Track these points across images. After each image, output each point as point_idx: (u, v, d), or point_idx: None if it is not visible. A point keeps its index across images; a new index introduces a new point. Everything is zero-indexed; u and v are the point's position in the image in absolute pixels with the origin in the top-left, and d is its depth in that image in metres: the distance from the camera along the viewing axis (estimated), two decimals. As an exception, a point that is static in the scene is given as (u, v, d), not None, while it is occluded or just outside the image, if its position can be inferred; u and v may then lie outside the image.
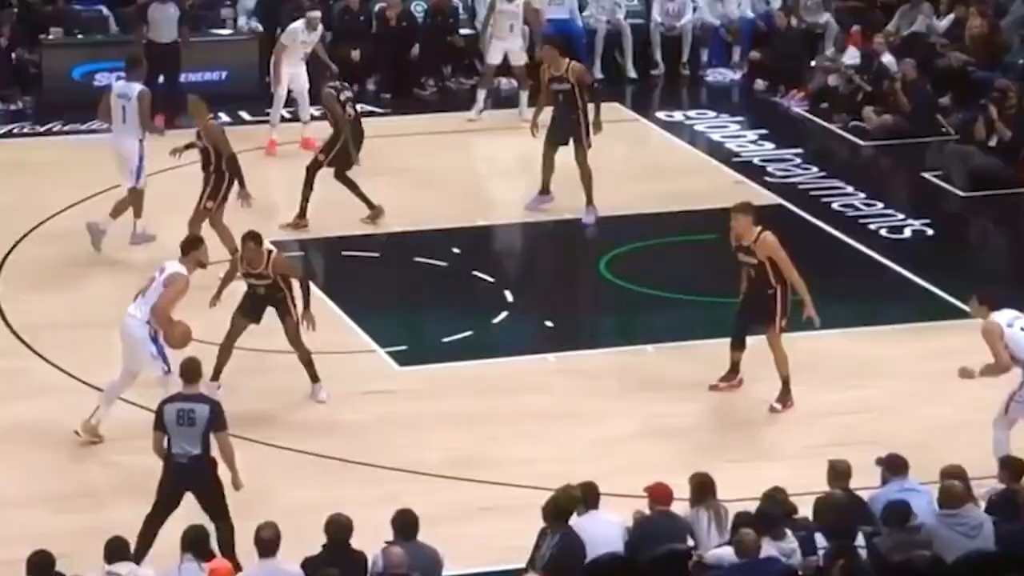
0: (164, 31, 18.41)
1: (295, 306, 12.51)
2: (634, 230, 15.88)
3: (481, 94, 18.59)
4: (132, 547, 9.48)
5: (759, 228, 12.51)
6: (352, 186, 15.37)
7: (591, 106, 15.75)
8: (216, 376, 12.55)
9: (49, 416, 12.39)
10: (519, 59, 18.61)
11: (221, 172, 14.50)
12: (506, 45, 18.48)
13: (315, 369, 12.68)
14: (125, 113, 15.07)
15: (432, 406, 12.70)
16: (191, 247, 12.14)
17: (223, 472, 10.22)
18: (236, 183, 14.46)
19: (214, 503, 10.12)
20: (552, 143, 15.99)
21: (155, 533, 10.17)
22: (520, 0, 18.62)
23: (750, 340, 12.84)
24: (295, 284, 12.59)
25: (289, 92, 17.77)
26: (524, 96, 18.52)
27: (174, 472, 10.12)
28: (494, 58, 18.59)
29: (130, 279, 14.57)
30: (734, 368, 12.83)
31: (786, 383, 12.60)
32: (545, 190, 16.06)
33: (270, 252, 12.56)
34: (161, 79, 18.39)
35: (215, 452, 10.23)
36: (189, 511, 10.24)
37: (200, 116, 14.74)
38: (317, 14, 17.91)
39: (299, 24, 17.80)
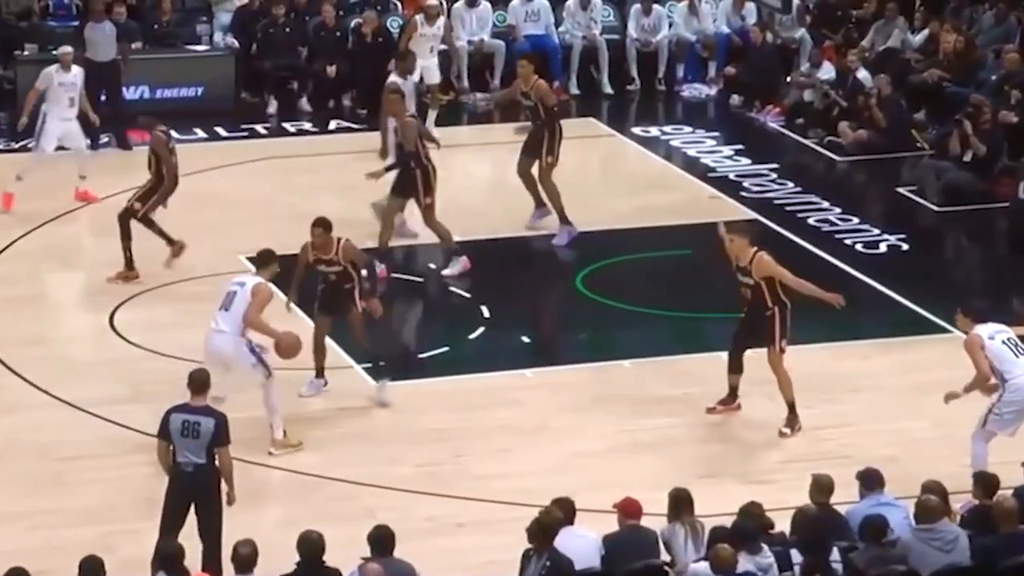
0: (101, 49, 18.26)
1: (360, 297, 12.62)
2: (610, 245, 15.90)
3: (431, 115, 18.47)
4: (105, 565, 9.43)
5: (755, 249, 12.46)
6: (153, 226, 14.86)
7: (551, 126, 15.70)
8: (320, 375, 12.80)
9: (22, 432, 12.35)
10: (434, 77, 18.64)
11: (424, 168, 14.67)
12: (423, 64, 18.41)
13: (382, 368, 12.81)
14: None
15: (407, 422, 12.69)
16: (267, 260, 12.35)
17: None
18: (430, 178, 14.67)
19: (212, 517, 10.09)
20: (527, 157, 16.04)
21: (177, 548, 10.08)
22: (440, 22, 18.61)
23: (721, 355, 12.87)
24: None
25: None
26: (432, 115, 18.41)
27: (179, 480, 10.11)
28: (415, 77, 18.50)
29: (102, 296, 14.59)
30: (732, 393, 12.73)
31: (792, 407, 12.48)
32: (540, 203, 16.11)
33: (339, 239, 12.69)
34: (103, 97, 18.27)
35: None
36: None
37: (399, 113, 14.67)
38: (69, 50, 16.76)
39: (52, 67, 16.65)
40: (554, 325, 14.74)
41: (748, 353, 12.74)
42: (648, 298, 14.80)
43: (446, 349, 13.83)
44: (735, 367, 12.69)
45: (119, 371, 13.27)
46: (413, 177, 14.71)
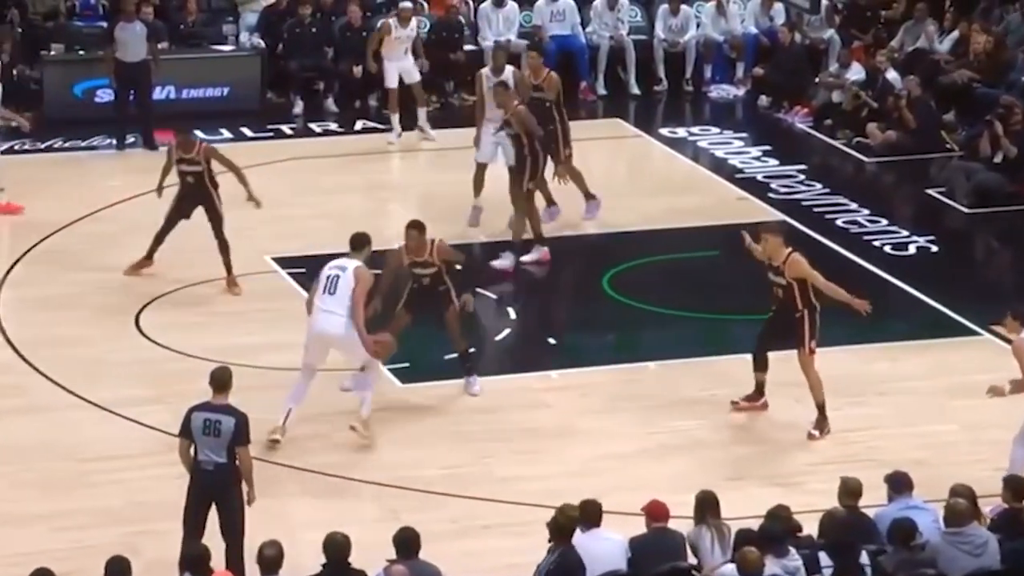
0: (131, 50, 18.31)
1: (456, 297, 12.72)
2: (637, 247, 15.87)
3: (394, 118, 18.45)
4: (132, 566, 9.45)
5: (789, 249, 12.42)
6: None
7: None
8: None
9: (47, 433, 12.38)
10: (413, 77, 18.51)
11: (535, 152, 14.88)
12: (400, 66, 18.37)
13: (472, 363, 12.90)
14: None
15: (434, 423, 12.69)
16: (362, 243, 12.43)
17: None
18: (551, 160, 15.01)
19: (233, 516, 10.09)
20: (554, 158, 16.04)
21: (202, 549, 10.11)
22: (414, 24, 18.48)
23: (740, 357, 12.86)
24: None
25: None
26: (423, 113, 18.44)
27: (200, 477, 10.12)
28: (391, 82, 18.39)
29: (128, 297, 14.62)
30: (759, 389, 12.74)
31: (821, 408, 12.44)
32: (589, 195, 16.15)
33: (433, 240, 12.77)
34: (132, 96, 18.36)
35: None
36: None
37: (509, 105, 14.97)
38: None
39: None
40: (580, 326, 14.71)
41: (777, 355, 12.73)
42: (675, 299, 14.77)
43: (472, 350, 13.82)
44: (760, 365, 12.70)
45: (145, 372, 13.31)
46: (524, 161, 14.99)
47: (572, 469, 11.90)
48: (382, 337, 12.34)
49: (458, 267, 12.94)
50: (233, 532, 10.08)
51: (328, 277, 12.27)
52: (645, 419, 12.70)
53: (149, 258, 14.90)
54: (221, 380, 10.32)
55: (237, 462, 10.10)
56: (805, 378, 12.43)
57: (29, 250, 15.71)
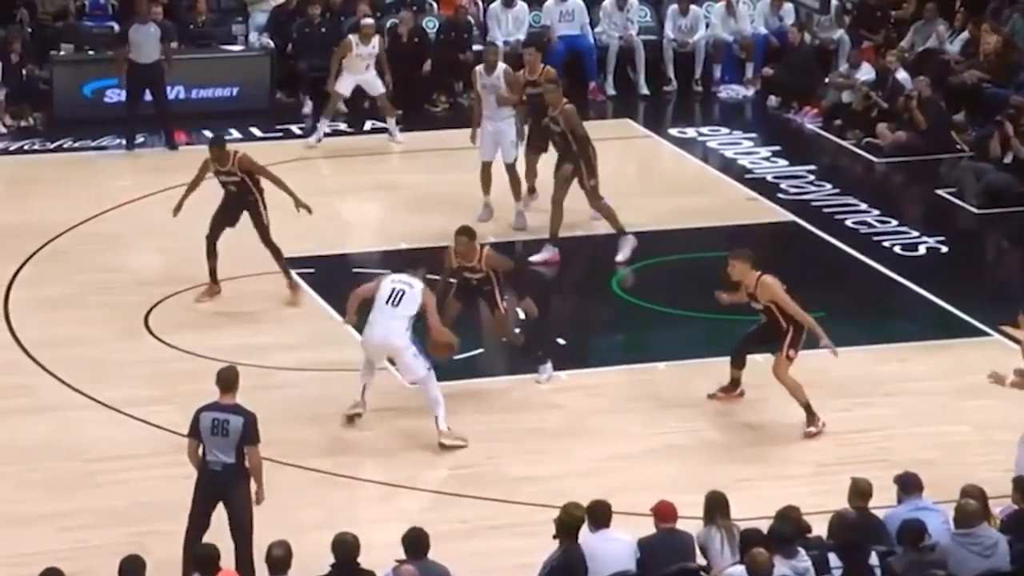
0: (145, 51, 18.32)
1: (503, 298, 12.95)
2: (646, 247, 15.85)
3: (323, 123, 18.30)
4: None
5: (758, 273, 12.46)
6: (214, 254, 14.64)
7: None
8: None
9: (55, 433, 12.39)
10: (376, 89, 18.31)
11: (586, 150, 15.05)
12: (360, 79, 18.23)
13: (535, 354, 13.03)
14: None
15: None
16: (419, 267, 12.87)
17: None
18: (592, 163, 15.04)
19: (242, 516, 10.09)
20: (534, 150, 16.14)
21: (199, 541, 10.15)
22: (375, 42, 18.30)
23: (759, 357, 12.82)
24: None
25: None
26: (392, 122, 18.36)
27: (207, 479, 10.12)
28: (344, 88, 18.26)
29: (136, 296, 14.62)
30: (734, 383, 12.86)
31: (808, 408, 12.49)
32: (531, 189, 16.26)
33: (482, 247, 13.08)
34: (146, 97, 18.41)
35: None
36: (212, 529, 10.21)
37: (556, 103, 15.07)
38: None
39: None
40: (589, 327, 14.70)
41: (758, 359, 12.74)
42: (684, 300, 14.75)
43: (481, 351, 13.81)
44: (737, 363, 12.80)
45: (153, 372, 13.31)
46: (574, 159, 15.09)
47: (581, 469, 11.89)
48: (443, 336, 12.55)
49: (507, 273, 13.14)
50: (242, 531, 10.08)
51: (393, 290, 12.39)
52: (654, 419, 12.69)
53: (215, 279, 14.51)
54: (228, 380, 10.31)
55: (246, 462, 10.09)
56: (783, 385, 12.40)
57: (38, 250, 15.71)
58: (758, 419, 12.76)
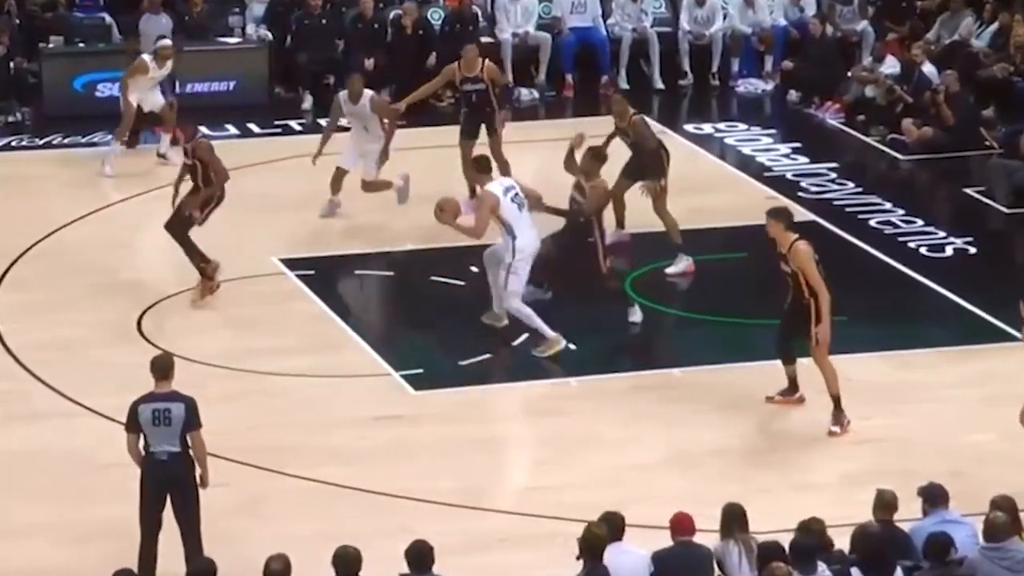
0: (155, 42, 18.39)
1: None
2: (661, 248, 15.87)
3: (116, 149, 17.55)
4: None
5: (794, 236, 12.60)
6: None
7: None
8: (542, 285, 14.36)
9: (46, 441, 12.43)
10: (156, 104, 17.72)
11: (659, 158, 15.40)
12: (141, 96, 17.63)
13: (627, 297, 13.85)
14: None
15: (448, 432, 12.72)
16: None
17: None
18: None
19: (190, 505, 10.17)
20: (466, 135, 16.51)
21: (154, 556, 10.20)
22: (169, 65, 17.79)
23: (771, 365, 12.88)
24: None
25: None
26: (166, 139, 17.79)
27: (154, 470, 10.19)
28: (140, 105, 17.67)
29: (128, 300, 14.67)
30: (792, 384, 12.93)
31: (837, 402, 12.59)
32: (472, 193, 16.34)
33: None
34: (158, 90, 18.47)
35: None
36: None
37: (623, 115, 15.39)
38: None
39: None
40: (601, 331, 14.72)
41: (804, 362, 12.80)
42: (700, 303, 14.77)
43: (488, 356, 13.84)
44: (786, 359, 12.83)
45: (147, 378, 13.31)
46: (645, 162, 15.40)
47: (593, 480, 11.91)
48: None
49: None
50: (191, 521, 10.20)
51: (516, 194, 13.73)
52: (669, 428, 12.71)
53: (210, 276, 14.59)
54: (164, 367, 10.39)
55: (191, 449, 10.14)
56: (819, 371, 12.48)
57: (27, 251, 15.76)
58: (778, 427, 12.78)
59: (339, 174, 16.37)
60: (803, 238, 12.65)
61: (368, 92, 16.40)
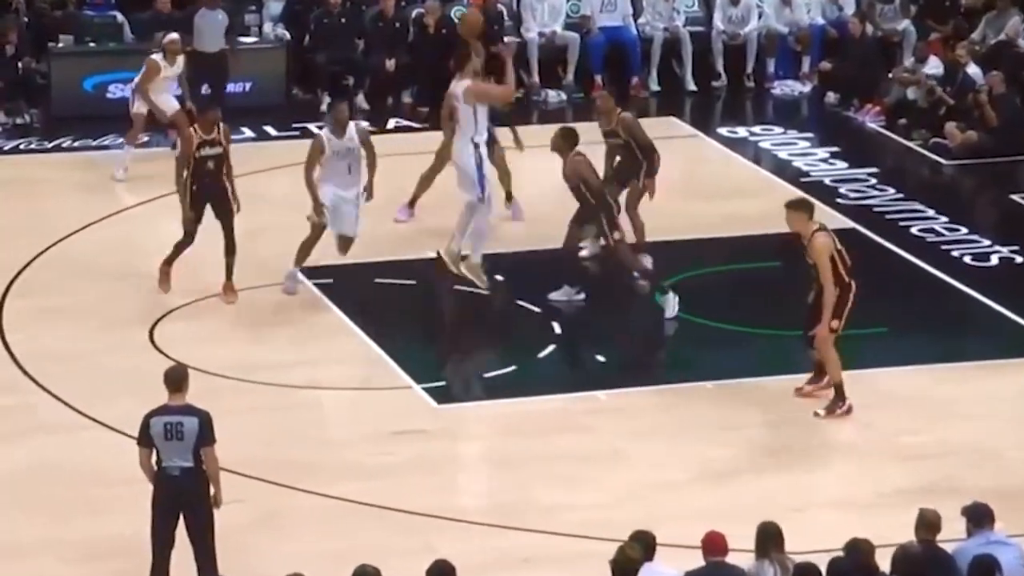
0: (210, 39, 18.49)
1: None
2: (692, 256, 15.87)
3: (128, 153, 17.54)
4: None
5: (815, 227, 12.92)
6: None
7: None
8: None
9: (53, 455, 12.46)
10: (172, 106, 17.58)
11: (650, 157, 15.48)
12: (161, 98, 17.53)
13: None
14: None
15: (472, 447, 12.73)
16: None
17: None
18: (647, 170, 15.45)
19: (203, 523, 10.19)
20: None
21: (166, 575, 10.22)
22: (180, 61, 17.66)
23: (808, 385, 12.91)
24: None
25: None
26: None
27: (166, 485, 10.20)
28: (166, 108, 17.57)
29: (142, 308, 14.70)
30: (819, 369, 13.11)
31: (838, 389, 12.85)
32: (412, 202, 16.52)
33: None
34: (206, 89, 18.55)
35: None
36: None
37: (610, 114, 15.49)
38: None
39: None
40: (630, 343, 14.72)
41: (844, 375, 12.88)
42: (733, 314, 14.75)
43: (513, 368, 13.85)
44: (811, 345, 13.07)
45: (159, 390, 13.32)
46: (632, 163, 15.48)
47: (621, 498, 11.91)
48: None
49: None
50: (205, 539, 10.19)
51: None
52: (701, 444, 12.69)
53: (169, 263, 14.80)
54: (177, 379, 10.40)
55: (204, 465, 10.15)
56: (821, 355, 12.84)
57: (36, 257, 15.81)
58: (814, 443, 12.75)
59: (345, 242, 15.04)
60: (823, 229, 12.91)
61: (355, 123, 15.42)
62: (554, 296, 14.82)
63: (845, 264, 12.87)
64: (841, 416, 12.89)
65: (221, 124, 14.83)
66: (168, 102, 17.75)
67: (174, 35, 17.93)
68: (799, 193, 17.57)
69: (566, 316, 14.78)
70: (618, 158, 15.65)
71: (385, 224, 16.45)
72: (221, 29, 18.64)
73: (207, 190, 14.70)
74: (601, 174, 15.25)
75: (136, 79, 17.75)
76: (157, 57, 17.67)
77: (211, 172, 14.67)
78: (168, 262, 14.82)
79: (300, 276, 15.03)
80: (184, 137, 15.20)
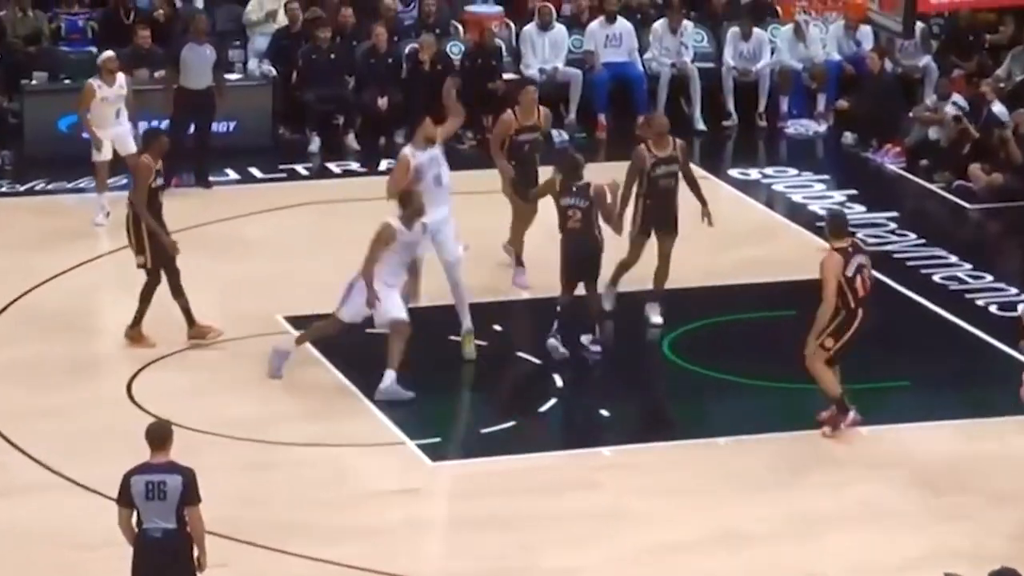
0: (197, 76, 18.57)
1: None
2: (703, 305, 15.91)
3: (103, 198, 17.41)
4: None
5: (832, 245, 13.49)
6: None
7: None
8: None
9: (26, 518, 12.45)
10: (128, 147, 17.34)
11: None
12: (112, 133, 17.46)
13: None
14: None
15: (469, 507, 12.72)
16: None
17: None
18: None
19: None
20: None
21: None
22: (122, 80, 17.58)
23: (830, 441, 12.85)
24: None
25: None
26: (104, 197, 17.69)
27: (147, 548, 10.17)
28: (105, 153, 17.41)
29: (118, 361, 14.72)
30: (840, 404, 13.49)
31: (837, 404, 13.40)
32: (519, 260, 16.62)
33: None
34: (192, 129, 18.62)
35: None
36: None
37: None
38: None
39: None
40: (637, 396, 14.74)
41: (864, 431, 13.06)
42: (746, 366, 14.77)
43: (512, 423, 13.87)
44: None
45: (138, 447, 13.31)
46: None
47: (628, 561, 11.91)
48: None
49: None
50: None
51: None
52: (713, 504, 12.70)
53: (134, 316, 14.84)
54: (161, 435, 10.36)
55: (187, 527, 10.16)
56: (810, 371, 13.26)
57: (7, 306, 15.84)
58: (832, 503, 12.75)
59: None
60: (839, 250, 13.37)
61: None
62: (585, 340, 14.86)
63: (854, 290, 13.24)
64: (850, 428, 13.27)
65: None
66: (123, 140, 17.43)
67: (109, 52, 17.89)
68: (815, 239, 17.70)
69: (568, 368, 14.80)
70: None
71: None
72: (209, 64, 18.67)
73: (162, 227, 14.74)
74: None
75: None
76: (92, 80, 17.51)
77: (160, 205, 14.71)
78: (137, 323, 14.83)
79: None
80: (140, 171, 14.85)
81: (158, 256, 14.71)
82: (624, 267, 15.46)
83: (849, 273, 13.32)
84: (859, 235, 17.74)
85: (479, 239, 17.10)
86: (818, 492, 12.88)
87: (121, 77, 17.59)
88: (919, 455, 13.08)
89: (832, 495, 12.86)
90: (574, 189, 14.81)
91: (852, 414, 13.38)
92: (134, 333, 14.86)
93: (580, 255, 14.67)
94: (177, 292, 14.76)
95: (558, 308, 14.76)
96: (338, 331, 14.35)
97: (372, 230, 16.84)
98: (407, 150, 15.12)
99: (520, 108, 16.39)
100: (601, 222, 14.81)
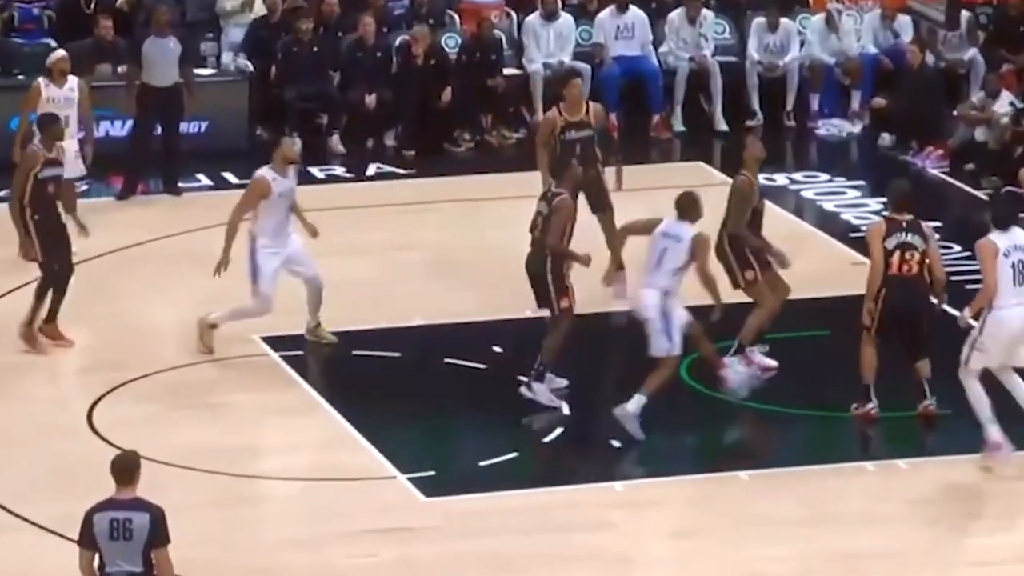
0: (162, 72, 18.59)
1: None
2: (724, 325, 15.91)
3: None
4: None
5: (895, 218, 14.14)
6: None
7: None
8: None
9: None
10: (74, 169, 16.85)
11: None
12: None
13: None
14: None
15: (466, 548, 12.75)
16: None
17: None
18: None
19: None
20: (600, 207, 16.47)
21: None
22: (73, 82, 17.32)
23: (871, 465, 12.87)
24: None
25: None
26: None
27: None
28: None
29: (78, 387, 14.75)
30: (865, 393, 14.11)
31: (864, 390, 13.98)
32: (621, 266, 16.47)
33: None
34: (159, 130, 18.69)
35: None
36: None
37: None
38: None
39: None
40: (652, 425, 14.77)
41: (902, 465, 13.17)
42: (772, 392, 14.81)
43: (515, 455, 13.90)
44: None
45: (98, 481, 13.34)
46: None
47: (642, 607, 11.96)
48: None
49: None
50: None
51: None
52: (734, 543, 12.72)
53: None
54: (127, 468, 10.29)
55: (155, 570, 10.16)
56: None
57: (-46, 327, 15.89)
58: (867, 543, 12.78)
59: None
60: (888, 219, 14.11)
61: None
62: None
63: (888, 264, 13.92)
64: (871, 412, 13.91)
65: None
66: (67, 160, 16.46)
67: (61, 52, 17.91)
68: (848, 251, 17.73)
69: (576, 394, 14.82)
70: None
71: (365, 287, 16.50)
72: (174, 59, 18.67)
73: (53, 221, 14.82)
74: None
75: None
76: (40, 80, 17.38)
77: (53, 197, 14.71)
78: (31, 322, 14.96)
79: None
80: (25, 158, 15.03)
81: (48, 249, 14.89)
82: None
83: (889, 246, 13.80)
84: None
85: (478, 251, 17.14)
86: (850, 530, 12.89)
87: (73, 80, 17.46)
88: (966, 490, 13.09)
89: (865, 533, 12.88)
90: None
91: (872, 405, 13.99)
92: (29, 332, 15.04)
93: None
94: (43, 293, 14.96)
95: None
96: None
97: (361, 240, 16.92)
98: (266, 173, 14.98)
99: (565, 103, 16.18)
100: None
